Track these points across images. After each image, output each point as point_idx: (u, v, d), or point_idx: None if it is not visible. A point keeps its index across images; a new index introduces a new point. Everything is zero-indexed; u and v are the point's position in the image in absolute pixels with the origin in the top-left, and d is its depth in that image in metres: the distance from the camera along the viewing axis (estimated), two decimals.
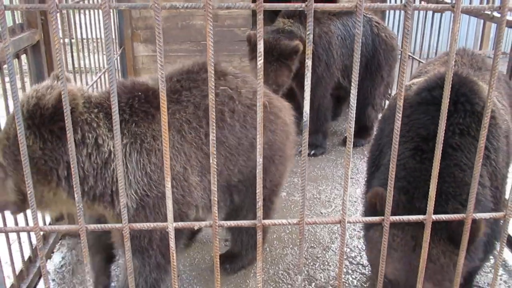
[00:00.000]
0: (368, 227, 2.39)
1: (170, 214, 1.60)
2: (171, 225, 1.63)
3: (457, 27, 1.37)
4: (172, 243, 1.67)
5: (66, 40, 4.19)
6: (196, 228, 1.68)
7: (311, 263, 3.28)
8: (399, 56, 5.06)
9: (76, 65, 4.26)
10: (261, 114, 1.43)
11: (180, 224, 1.67)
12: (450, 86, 1.41)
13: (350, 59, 4.95)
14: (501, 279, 3.15)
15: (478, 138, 2.33)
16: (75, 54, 4.27)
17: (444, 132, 1.47)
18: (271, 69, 4.70)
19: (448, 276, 2.12)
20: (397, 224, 2.16)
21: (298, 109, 5.25)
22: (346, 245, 3.48)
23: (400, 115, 1.51)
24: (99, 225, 1.68)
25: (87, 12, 4.71)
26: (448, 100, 1.41)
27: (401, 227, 2.16)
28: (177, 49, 6.24)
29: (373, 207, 2.20)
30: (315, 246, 3.47)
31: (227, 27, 6.32)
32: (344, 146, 5.34)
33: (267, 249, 3.42)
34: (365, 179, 2.86)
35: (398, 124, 1.47)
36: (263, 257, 3.24)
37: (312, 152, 5.16)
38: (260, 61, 1.39)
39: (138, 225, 1.68)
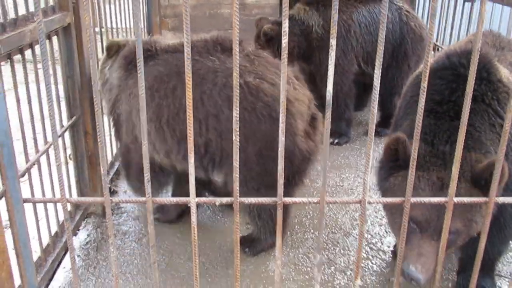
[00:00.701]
0: (386, 176, 2.37)
1: (192, 189, 1.64)
2: (193, 200, 1.66)
3: (484, 7, 1.36)
4: (194, 218, 1.70)
5: (96, 29, 4.25)
6: (217, 204, 1.71)
7: (331, 248, 3.29)
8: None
9: None
10: (284, 93, 1.45)
11: (202, 199, 1.70)
12: (473, 58, 1.40)
13: (373, 46, 4.91)
14: None
15: (493, 106, 2.33)
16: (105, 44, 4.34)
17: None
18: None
19: (475, 217, 2.15)
20: (422, 166, 2.19)
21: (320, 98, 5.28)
22: (367, 231, 3.48)
23: (424, 96, 1.51)
24: (123, 199, 1.72)
25: (117, 1, 4.77)
26: (471, 72, 1.41)
27: (426, 168, 2.19)
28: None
29: (391, 154, 2.22)
30: (336, 232, 3.48)
31: (255, 16, 6.33)
32: None
33: (288, 233, 3.44)
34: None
35: (422, 102, 1.47)
36: (283, 240, 3.28)
37: (336, 140, 5.14)
38: (285, 40, 1.41)
39: (160, 199, 1.72)
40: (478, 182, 2.11)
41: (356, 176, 4.39)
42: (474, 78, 2.38)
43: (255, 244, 3.20)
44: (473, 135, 2.27)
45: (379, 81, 1.52)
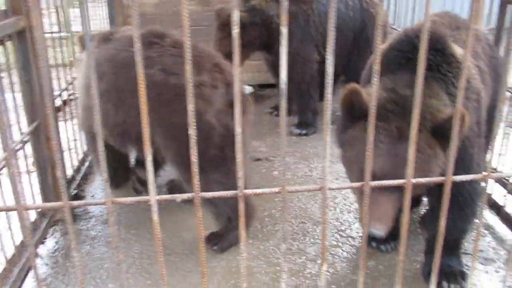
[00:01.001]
0: (345, 129, 2.39)
1: (152, 188, 1.62)
2: (153, 199, 1.64)
3: None
4: (155, 216, 1.68)
5: (59, 34, 4.19)
6: (178, 200, 1.69)
7: (302, 238, 3.31)
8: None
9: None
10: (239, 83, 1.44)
11: (163, 197, 1.68)
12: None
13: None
14: (489, 246, 3.18)
15: (449, 77, 2.38)
16: (68, 48, 4.27)
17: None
18: (215, 38, 5.06)
19: (432, 168, 2.19)
20: (381, 115, 2.20)
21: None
22: (336, 218, 3.51)
23: (377, 80, 1.52)
24: (82, 202, 1.69)
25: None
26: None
27: (385, 119, 2.20)
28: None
29: (347, 106, 2.26)
30: (305, 222, 3.50)
31: None
32: (335, 125, 5.34)
33: (258, 226, 3.44)
34: None
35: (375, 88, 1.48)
36: (252, 233, 3.29)
37: (304, 131, 5.16)
38: (236, 31, 1.40)
39: (120, 200, 1.70)
40: (438, 133, 2.13)
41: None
42: (429, 50, 2.45)
43: (222, 240, 3.19)
44: (433, 88, 2.31)
45: (333, 68, 1.52)
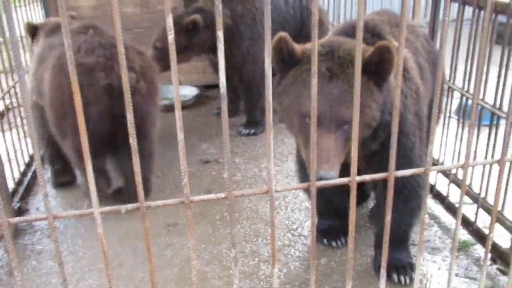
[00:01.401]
0: (279, 80, 2.41)
1: (94, 200, 1.57)
2: (97, 211, 1.59)
3: None
4: (100, 229, 1.63)
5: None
6: (123, 211, 1.65)
7: (254, 239, 3.30)
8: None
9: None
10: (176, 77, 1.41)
11: (106, 209, 1.63)
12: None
13: (276, 32, 4.94)
14: (435, 235, 3.27)
15: None
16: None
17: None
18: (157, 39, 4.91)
19: (367, 102, 2.24)
20: (311, 59, 2.22)
21: (233, 89, 5.29)
22: (288, 218, 3.53)
23: (315, 80, 1.53)
24: (21, 218, 1.62)
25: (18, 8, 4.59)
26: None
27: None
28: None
29: (278, 55, 2.28)
30: (257, 222, 3.49)
31: (159, 13, 6.19)
32: (283, 123, 5.36)
33: (210, 230, 3.41)
34: None
35: (314, 90, 1.48)
36: (201, 237, 3.26)
37: (252, 131, 5.15)
38: (171, 36, 1.37)
39: (61, 214, 1.63)
40: (369, 69, 2.18)
41: (274, 165, 4.42)
42: (366, 34, 2.49)
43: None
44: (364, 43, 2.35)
45: (270, 69, 1.51)
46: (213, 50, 4.99)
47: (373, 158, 2.59)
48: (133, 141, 1.47)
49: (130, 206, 1.65)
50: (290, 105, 2.28)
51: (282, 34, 2.22)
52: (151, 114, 3.57)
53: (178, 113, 1.47)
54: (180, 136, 1.53)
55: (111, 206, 1.71)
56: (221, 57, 1.44)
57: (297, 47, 2.31)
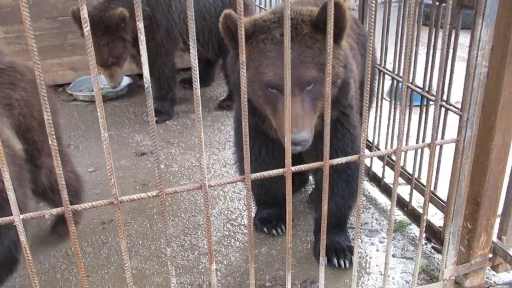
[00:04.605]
0: (234, 56, 2.38)
1: (14, 207, 1.46)
2: (17, 218, 1.48)
3: None
4: (23, 237, 1.53)
5: None
6: (47, 216, 1.55)
7: (193, 232, 3.24)
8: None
9: None
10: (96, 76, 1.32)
11: (28, 215, 1.53)
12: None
13: (197, 21, 4.82)
14: (372, 217, 3.33)
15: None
16: None
17: None
18: (102, 43, 4.47)
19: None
20: (262, 28, 2.23)
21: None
22: (227, 208, 3.48)
23: (244, 71, 1.48)
24: None
25: None
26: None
27: (266, 30, 2.23)
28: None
29: (227, 32, 2.22)
30: (196, 214, 3.43)
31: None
32: (219, 111, 5.30)
33: (147, 224, 3.32)
34: None
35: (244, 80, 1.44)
36: (139, 233, 3.17)
37: (156, 119, 5.03)
38: (87, 29, 1.27)
39: None
40: (318, 26, 2.16)
41: (211, 154, 4.38)
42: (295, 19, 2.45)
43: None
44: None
45: (196, 65, 1.45)
46: (133, 43, 4.77)
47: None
48: (52, 142, 1.37)
49: (54, 210, 1.55)
50: (252, 78, 2.23)
51: (227, 11, 2.16)
52: None
53: (100, 111, 1.39)
54: (105, 134, 1.45)
55: (34, 212, 1.61)
56: (144, 50, 1.36)
57: (245, 20, 2.24)
